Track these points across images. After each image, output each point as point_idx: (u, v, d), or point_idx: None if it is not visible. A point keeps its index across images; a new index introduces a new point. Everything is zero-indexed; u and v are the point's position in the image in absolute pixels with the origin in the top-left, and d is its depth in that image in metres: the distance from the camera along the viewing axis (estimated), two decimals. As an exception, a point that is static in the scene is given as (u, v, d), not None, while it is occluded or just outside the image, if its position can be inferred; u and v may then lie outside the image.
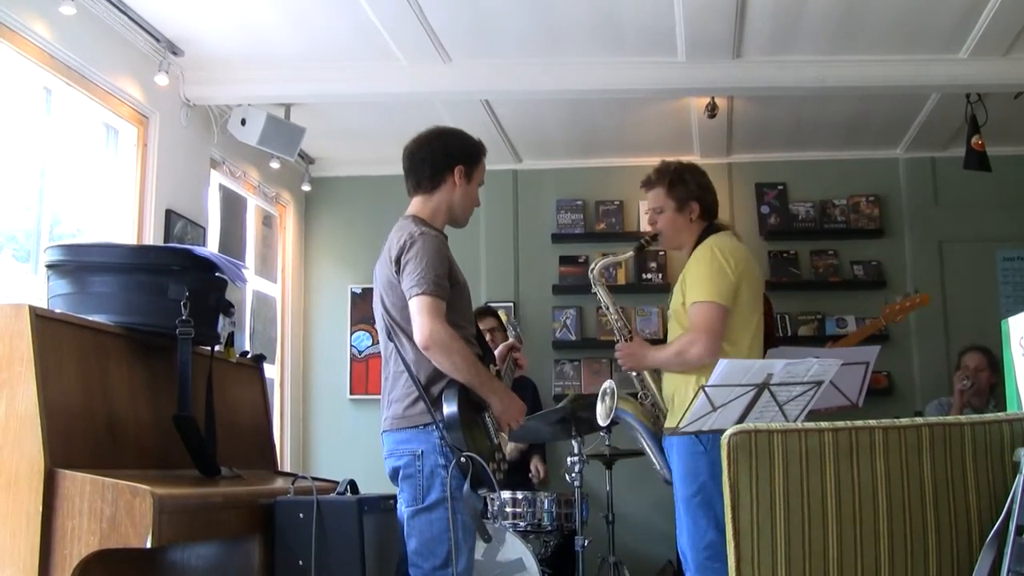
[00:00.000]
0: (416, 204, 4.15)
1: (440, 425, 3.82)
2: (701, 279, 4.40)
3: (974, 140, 6.29)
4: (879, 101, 6.72)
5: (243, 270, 4.40)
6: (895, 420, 2.34)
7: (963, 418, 2.38)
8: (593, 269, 4.83)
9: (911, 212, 7.73)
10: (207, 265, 4.07)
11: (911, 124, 7.20)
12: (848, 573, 2.25)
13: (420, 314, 3.78)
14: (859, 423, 2.34)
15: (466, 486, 3.82)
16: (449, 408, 3.81)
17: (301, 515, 3.90)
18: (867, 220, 7.74)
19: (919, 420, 2.35)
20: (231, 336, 4.50)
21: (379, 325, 4.09)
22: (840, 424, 2.33)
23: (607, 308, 4.58)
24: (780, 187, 7.81)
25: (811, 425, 2.34)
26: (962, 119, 6.53)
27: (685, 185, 4.62)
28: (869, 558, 2.26)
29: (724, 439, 2.28)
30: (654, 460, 4.65)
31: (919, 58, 5.97)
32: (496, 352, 4.52)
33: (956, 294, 7.51)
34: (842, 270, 7.70)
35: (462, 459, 3.78)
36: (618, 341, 4.62)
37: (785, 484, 2.25)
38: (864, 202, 7.75)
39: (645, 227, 7.71)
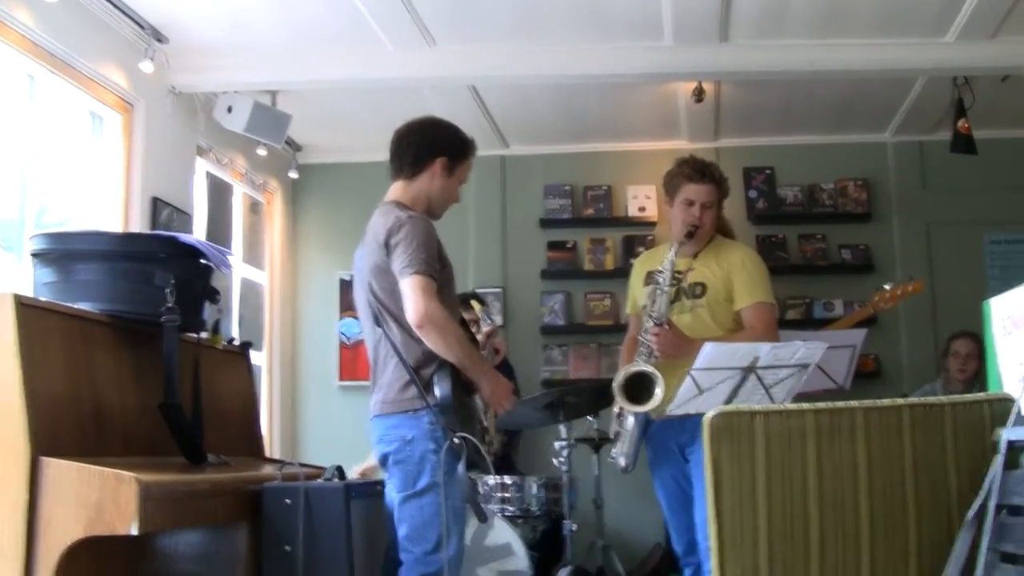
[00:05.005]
0: (396, 190, 4.16)
1: (433, 408, 3.82)
2: (762, 281, 4.62)
3: (960, 123, 6.30)
4: (866, 85, 6.71)
5: (228, 257, 4.39)
6: (876, 401, 2.35)
7: (944, 399, 2.39)
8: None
9: (899, 196, 7.74)
10: (192, 252, 4.08)
11: (899, 108, 7.20)
12: (830, 552, 2.26)
13: (414, 293, 3.78)
14: (840, 404, 2.35)
15: (460, 467, 3.83)
16: (442, 390, 3.82)
17: (288, 501, 3.92)
18: (855, 204, 7.74)
19: (900, 401, 2.36)
20: (217, 323, 4.51)
21: (363, 313, 4.09)
22: (821, 405, 2.35)
23: (660, 292, 4.53)
24: (768, 171, 7.81)
25: (792, 406, 2.35)
26: (949, 102, 6.53)
27: (725, 190, 4.77)
28: (850, 537, 2.27)
29: (705, 421, 2.29)
30: (621, 445, 4.61)
31: (906, 42, 5.96)
32: (478, 338, 4.53)
33: (944, 277, 7.52)
34: (830, 254, 7.71)
35: (455, 440, 3.79)
36: (648, 327, 4.54)
37: (767, 465, 2.26)
38: (852, 186, 7.75)
39: (633, 212, 7.77)
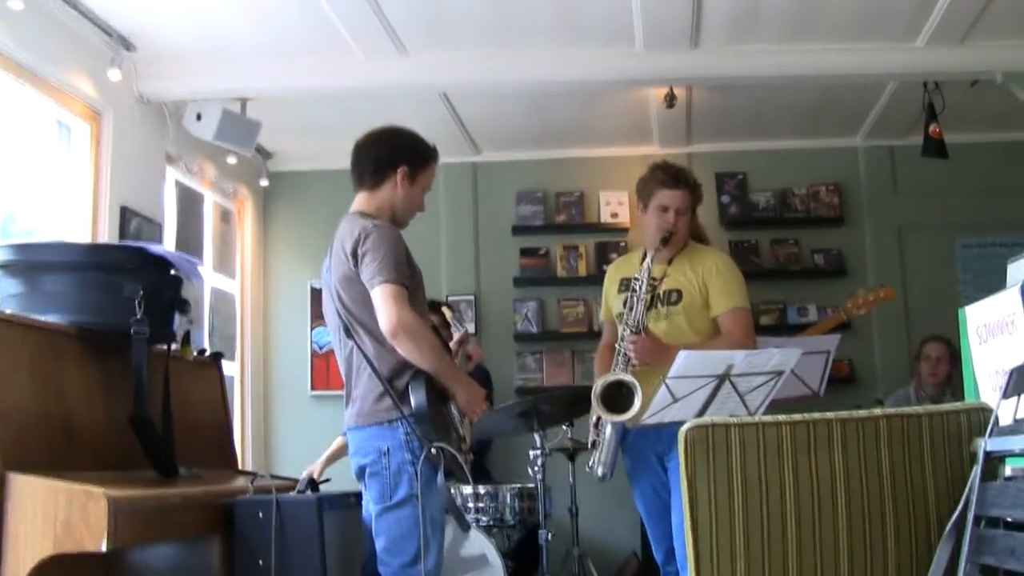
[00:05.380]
0: (360, 200, 4.14)
1: (408, 419, 3.79)
2: (738, 286, 4.63)
3: (932, 128, 6.31)
4: (838, 90, 6.73)
5: (199, 267, 4.35)
6: (853, 412, 2.34)
7: (920, 409, 2.38)
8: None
9: (871, 200, 7.77)
10: (161, 263, 4.04)
11: (869, 112, 7.23)
12: (808, 565, 2.25)
13: (386, 302, 3.75)
14: (816, 416, 2.34)
15: (439, 477, 3.81)
16: (417, 399, 3.78)
17: (260, 514, 3.88)
18: (827, 208, 7.76)
19: (877, 412, 2.35)
20: (188, 334, 4.46)
21: (333, 325, 4.06)
22: (798, 417, 2.33)
23: (637, 299, 4.51)
24: (740, 176, 7.82)
25: (768, 419, 2.33)
26: (920, 107, 6.54)
27: (699, 195, 4.75)
28: (828, 550, 2.26)
29: (681, 434, 2.27)
30: (599, 454, 4.59)
31: (877, 46, 5.96)
32: (451, 345, 4.51)
33: (916, 281, 7.55)
34: (803, 259, 7.72)
35: (432, 450, 3.76)
36: (625, 335, 4.52)
37: (743, 478, 2.24)
38: (824, 191, 7.77)
39: (606, 218, 7.77)
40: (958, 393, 6.50)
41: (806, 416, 2.35)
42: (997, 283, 7.53)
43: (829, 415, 2.35)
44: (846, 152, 7.83)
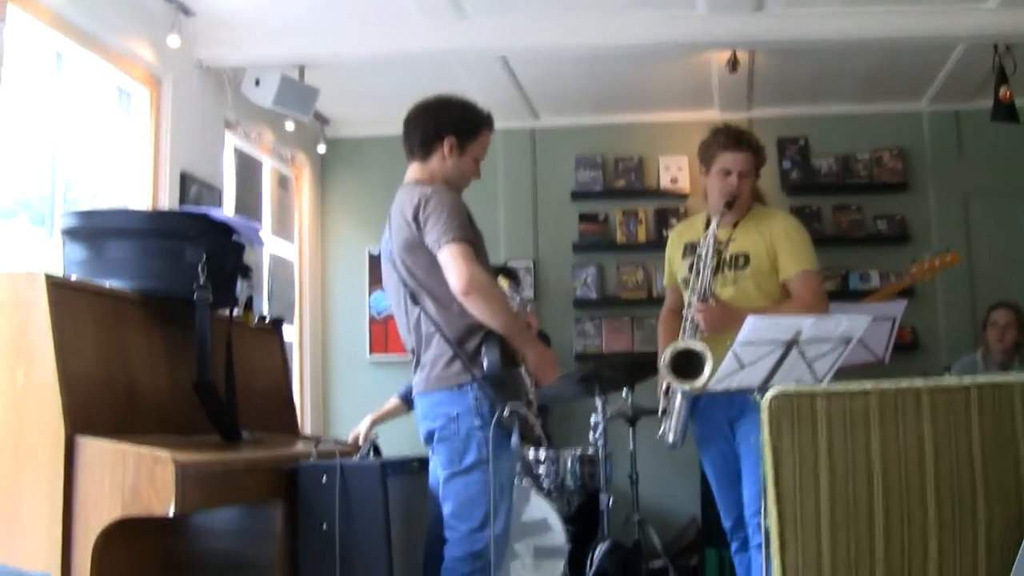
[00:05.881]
0: (413, 171, 4.13)
1: (479, 382, 3.78)
2: (807, 249, 4.55)
3: (1002, 91, 6.16)
4: (903, 53, 6.58)
5: (260, 233, 4.34)
6: (941, 380, 2.27)
7: (1012, 377, 2.30)
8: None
9: (935, 166, 7.62)
10: (224, 229, 4.03)
11: (936, 76, 7.07)
12: (894, 538, 2.19)
13: (455, 261, 3.73)
14: (904, 383, 2.27)
15: (513, 440, 3.81)
16: (490, 361, 3.76)
17: (324, 479, 3.87)
18: (890, 174, 7.62)
19: (967, 380, 2.27)
20: (250, 300, 4.46)
21: (394, 295, 4.05)
22: (885, 385, 2.26)
23: (703, 264, 4.46)
24: (802, 142, 7.71)
25: (855, 387, 2.27)
26: (988, 70, 6.37)
27: (762, 158, 4.67)
28: (916, 524, 2.19)
29: (765, 402, 2.21)
30: (670, 420, 4.55)
31: (946, 8, 5.82)
32: None
33: (981, 248, 7.41)
34: (865, 225, 7.60)
35: (504, 414, 3.75)
36: (692, 302, 4.46)
37: (829, 448, 2.18)
38: (887, 156, 7.63)
39: (665, 184, 7.69)
40: (1028, 361, 6.48)
41: (894, 384, 2.28)
42: (1063, 251, 7.45)
43: (918, 382, 2.28)
44: (910, 117, 7.67)
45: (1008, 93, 6.16)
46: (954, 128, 7.64)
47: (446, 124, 4.07)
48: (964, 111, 7.55)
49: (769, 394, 2.28)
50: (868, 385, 2.28)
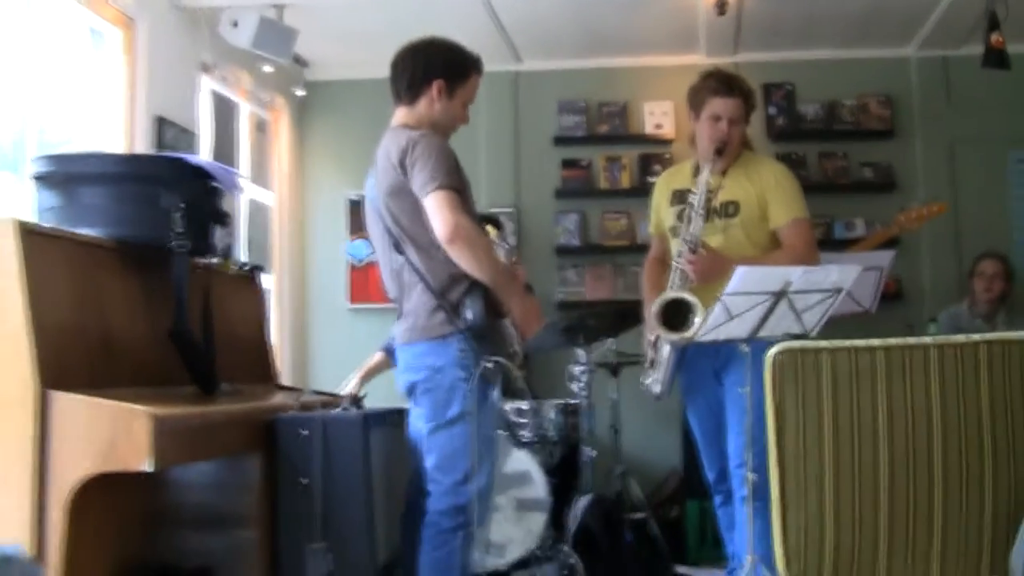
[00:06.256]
0: (400, 114, 4.04)
1: (464, 333, 3.72)
2: (798, 197, 4.51)
3: (994, 37, 6.07)
4: (893, -3, 6.48)
5: (238, 178, 4.23)
6: (951, 337, 2.20)
7: (1021, 334, 2.22)
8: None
9: (922, 113, 7.52)
10: (201, 174, 3.93)
11: (925, 21, 6.96)
12: (899, 497, 2.12)
13: (441, 208, 3.66)
14: (912, 340, 2.20)
15: (495, 393, 3.78)
16: (474, 312, 3.71)
17: (304, 432, 3.79)
18: (877, 121, 7.53)
19: (976, 337, 2.20)
20: (228, 248, 4.36)
21: (380, 241, 3.97)
22: (892, 342, 2.19)
23: (694, 213, 4.36)
24: (788, 87, 7.60)
25: (861, 343, 2.19)
26: (978, 16, 6.31)
27: (752, 103, 4.62)
28: (922, 482, 2.13)
29: (768, 358, 2.14)
30: (657, 372, 4.49)
31: (940, -51, 5.73)
32: None
33: (967, 197, 7.33)
34: (851, 172, 7.51)
35: (488, 365, 3.69)
36: (682, 251, 4.38)
37: (833, 406, 2.10)
38: (874, 103, 7.53)
39: (649, 129, 7.59)
40: (1012, 312, 6.44)
41: (901, 341, 2.21)
42: (1051, 200, 7.41)
43: (926, 340, 2.20)
44: (898, 63, 7.57)
45: (1000, 39, 6.07)
46: (942, 75, 7.54)
47: (435, 67, 3.98)
48: (952, 57, 7.44)
49: (773, 350, 2.21)
50: (875, 341, 2.20)
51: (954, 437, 2.17)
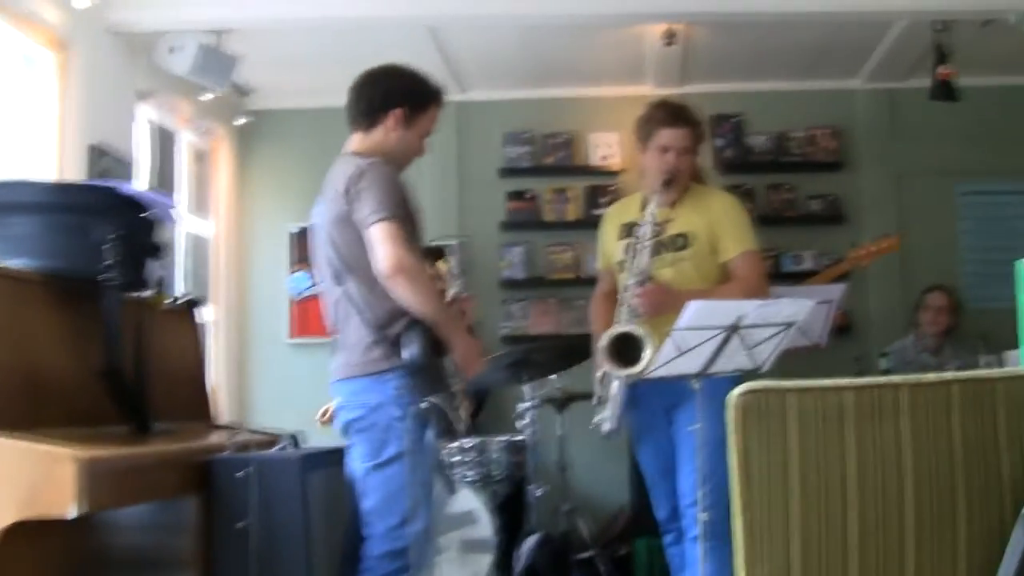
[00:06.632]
0: (355, 141, 3.94)
1: (401, 370, 3.58)
2: (748, 229, 4.46)
3: (941, 69, 6.06)
4: (841, 28, 6.45)
5: (173, 208, 4.09)
6: (921, 377, 2.08)
7: (996, 373, 2.13)
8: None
9: (869, 145, 7.52)
10: (133, 204, 3.79)
11: (872, 54, 6.97)
12: (870, 546, 2.01)
13: (383, 241, 3.54)
14: (883, 380, 2.09)
15: (429, 435, 3.64)
16: (412, 350, 3.57)
17: (239, 475, 3.66)
18: (825, 153, 7.51)
19: (947, 376, 2.09)
20: (162, 280, 4.22)
21: (323, 272, 3.85)
22: (862, 381, 2.08)
23: (641, 246, 4.28)
24: (736, 119, 7.56)
25: (829, 383, 2.07)
26: (925, 48, 6.32)
27: (701, 134, 4.56)
28: (893, 530, 2.01)
29: (731, 399, 2.02)
30: (605, 408, 4.39)
31: (887, -19, 5.72)
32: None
33: (915, 229, 7.29)
34: (799, 205, 7.48)
35: (425, 406, 3.57)
36: (629, 284, 4.28)
37: (800, 449, 1.99)
38: (822, 135, 7.51)
39: (596, 161, 7.51)
40: (959, 346, 6.42)
41: (872, 380, 2.10)
42: (997, 231, 7.45)
43: (896, 379, 2.10)
44: (845, 95, 7.57)
45: (947, 71, 6.07)
46: (888, 107, 7.56)
47: (394, 95, 3.90)
48: (899, 90, 7.46)
49: (737, 391, 2.09)
50: (843, 381, 2.09)
51: (926, 480, 2.07)
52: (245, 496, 3.64)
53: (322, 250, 3.82)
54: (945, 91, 6.08)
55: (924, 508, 2.03)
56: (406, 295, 3.57)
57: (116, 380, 3.63)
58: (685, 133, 4.42)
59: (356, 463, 3.75)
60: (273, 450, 3.89)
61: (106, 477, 3.05)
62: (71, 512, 2.90)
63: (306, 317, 7.42)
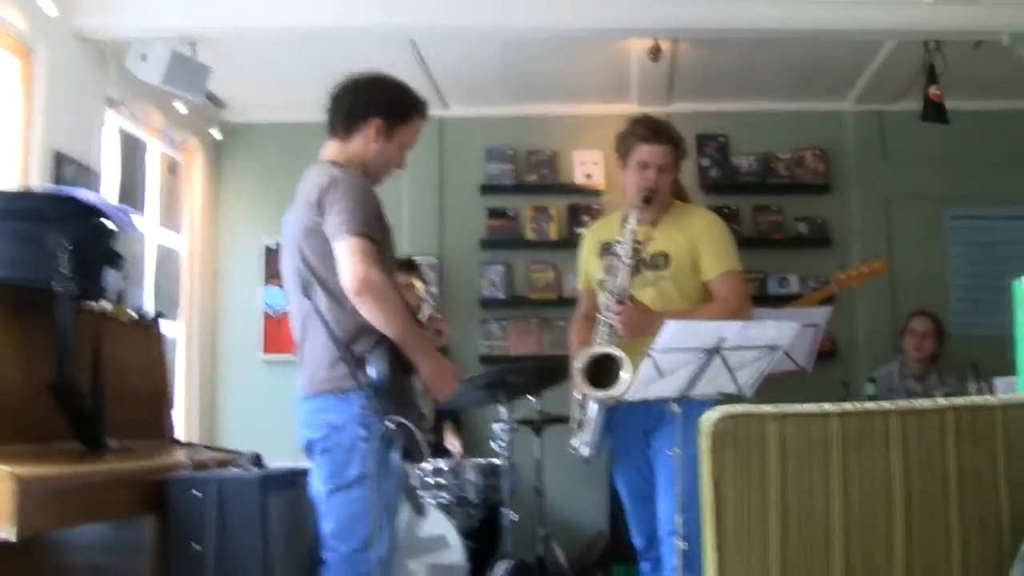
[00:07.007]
0: (331, 149, 3.81)
1: (365, 389, 3.44)
2: (731, 248, 4.38)
3: (932, 91, 5.95)
4: (830, 49, 6.34)
5: (134, 217, 3.95)
6: (913, 403, 1.93)
7: (994, 400, 1.99)
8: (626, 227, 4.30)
9: (858, 168, 7.42)
10: (91, 211, 3.65)
11: (862, 75, 6.86)
12: (857, 584, 1.85)
13: (351, 256, 3.41)
14: (871, 406, 1.94)
15: (395, 456, 3.50)
16: (377, 369, 3.43)
17: (197, 494, 3.52)
18: (813, 175, 7.39)
19: (943, 403, 1.94)
20: (122, 292, 4.08)
21: (290, 283, 3.71)
22: (848, 407, 1.93)
23: (621, 264, 4.15)
24: (722, 139, 7.44)
25: (813, 409, 1.92)
26: (915, 70, 6.24)
27: (682, 151, 4.48)
28: (881, 570, 1.86)
29: (705, 426, 1.86)
30: (583, 432, 4.25)
31: (882, 0, 5.59)
32: (419, 318, 4.13)
33: (904, 254, 7.21)
34: (785, 227, 7.36)
35: (390, 426, 3.42)
36: (608, 304, 4.15)
37: (781, 480, 1.83)
38: (810, 156, 7.40)
39: (579, 179, 7.39)
40: (944, 372, 6.30)
41: (859, 406, 1.95)
42: (987, 256, 7.35)
43: (887, 405, 1.94)
44: (834, 116, 7.46)
45: (938, 92, 5.95)
46: (878, 129, 7.45)
47: (376, 104, 3.78)
48: (888, 112, 7.36)
49: (712, 416, 1.93)
50: (828, 407, 1.94)
51: (917, 515, 1.93)
52: (202, 517, 3.53)
53: (290, 261, 3.69)
54: (936, 112, 5.96)
55: (915, 545, 1.88)
56: (372, 314, 3.44)
57: (68, 394, 3.50)
58: (665, 150, 4.34)
59: (318, 484, 3.61)
60: (232, 469, 3.73)
61: (49, 496, 2.93)
62: (9, 535, 2.75)
63: (280, 333, 7.24)
